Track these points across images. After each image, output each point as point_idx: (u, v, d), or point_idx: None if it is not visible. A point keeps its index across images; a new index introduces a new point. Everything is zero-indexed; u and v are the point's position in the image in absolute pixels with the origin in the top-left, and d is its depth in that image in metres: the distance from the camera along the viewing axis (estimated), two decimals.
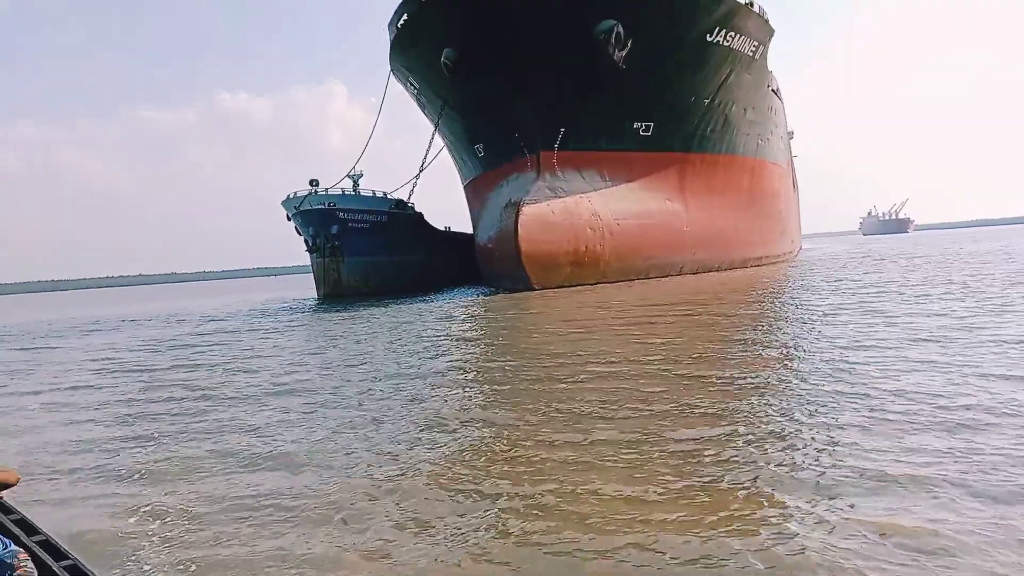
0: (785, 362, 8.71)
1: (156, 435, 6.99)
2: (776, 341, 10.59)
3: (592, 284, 27.39)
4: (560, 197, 27.14)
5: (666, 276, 29.89)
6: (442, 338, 14.41)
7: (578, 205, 27.33)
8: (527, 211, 25.85)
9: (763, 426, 5.66)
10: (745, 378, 7.62)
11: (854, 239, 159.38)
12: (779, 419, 5.86)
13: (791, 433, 5.43)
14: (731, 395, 6.91)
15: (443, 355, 11.85)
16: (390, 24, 29.70)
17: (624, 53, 26.02)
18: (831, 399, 6.35)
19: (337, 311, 24.62)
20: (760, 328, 12.42)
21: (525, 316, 18.52)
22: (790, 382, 7.40)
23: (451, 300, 26.34)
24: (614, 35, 25.52)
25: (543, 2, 24.64)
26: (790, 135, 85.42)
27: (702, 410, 6.32)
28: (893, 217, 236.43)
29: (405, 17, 28.17)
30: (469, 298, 26.86)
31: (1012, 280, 17.34)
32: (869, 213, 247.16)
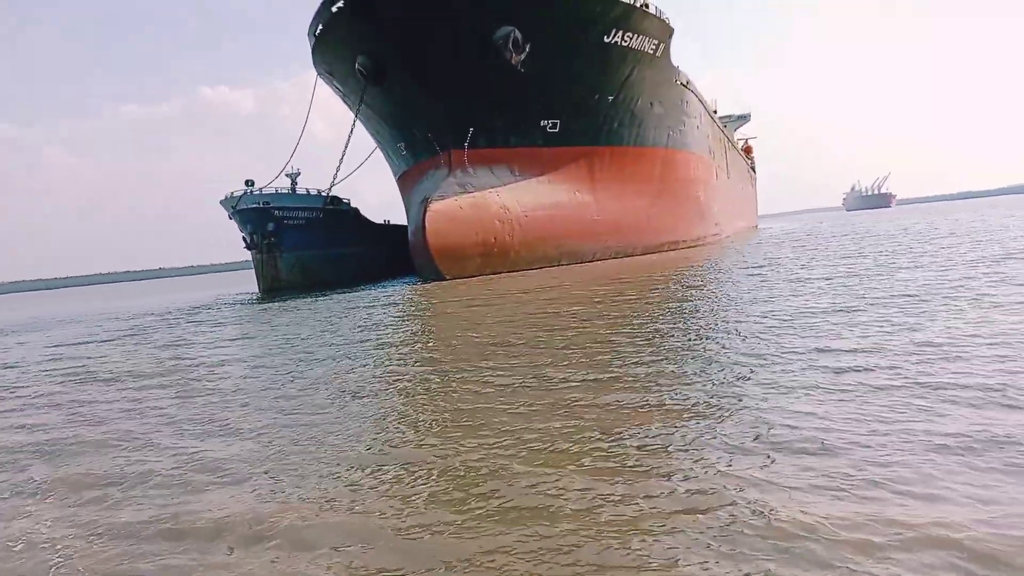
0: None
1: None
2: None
3: (504, 272, 29.47)
4: (469, 192, 29.16)
5: (578, 263, 32.00)
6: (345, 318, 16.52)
7: (487, 199, 29.36)
8: (434, 207, 27.90)
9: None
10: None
11: (834, 215, 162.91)
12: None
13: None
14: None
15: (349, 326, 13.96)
16: (309, 32, 31.47)
17: (522, 57, 27.97)
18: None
19: (269, 304, 26.68)
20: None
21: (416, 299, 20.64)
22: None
23: (379, 291, 28.29)
24: (511, 41, 27.44)
25: (445, 12, 26.53)
26: (745, 118, 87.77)
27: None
28: (875, 192, 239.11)
29: (320, 26, 29.98)
30: (394, 289, 28.88)
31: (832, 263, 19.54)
32: (852, 188, 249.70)
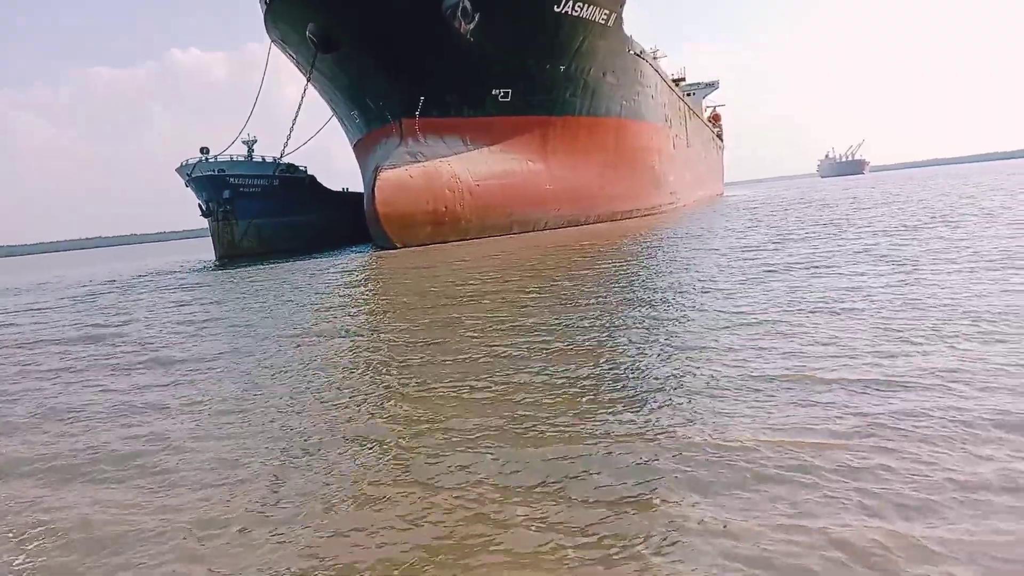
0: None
1: None
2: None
3: (456, 241, 30.03)
4: (419, 162, 29.51)
5: (530, 231, 32.63)
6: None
7: (437, 168, 29.73)
8: (383, 176, 28.27)
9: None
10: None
11: (807, 181, 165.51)
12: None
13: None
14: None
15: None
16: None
17: (472, 26, 28.10)
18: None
19: (212, 271, 27.08)
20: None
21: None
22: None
23: (329, 259, 28.78)
24: (460, 9, 27.56)
25: None
26: (713, 86, 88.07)
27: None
28: (849, 159, 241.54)
29: None
30: (344, 257, 29.38)
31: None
32: (826, 156, 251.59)
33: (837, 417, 4.13)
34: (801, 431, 3.96)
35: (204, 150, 35.83)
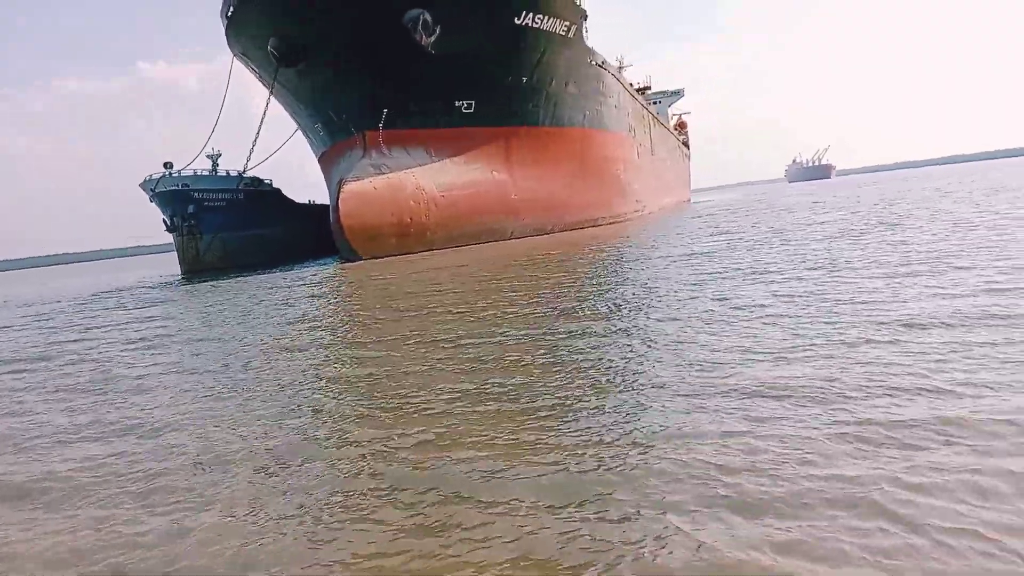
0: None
1: None
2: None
3: (422, 251, 30.16)
4: (384, 173, 29.67)
5: (496, 241, 32.88)
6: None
7: (402, 180, 29.91)
8: (347, 188, 28.39)
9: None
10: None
11: (776, 187, 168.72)
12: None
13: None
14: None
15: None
16: (221, 13, 31.26)
17: (433, 39, 28.39)
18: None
19: (175, 287, 26.94)
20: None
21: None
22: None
23: (295, 271, 28.75)
24: (421, 22, 27.84)
25: None
26: (678, 94, 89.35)
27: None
28: (816, 164, 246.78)
29: (232, 8, 29.85)
30: (310, 270, 29.37)
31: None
32: (794, 161, 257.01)
33: (718, 421, 4.42)
34: (682, 436, 4.24)
35: (168, 165, 35.68)
